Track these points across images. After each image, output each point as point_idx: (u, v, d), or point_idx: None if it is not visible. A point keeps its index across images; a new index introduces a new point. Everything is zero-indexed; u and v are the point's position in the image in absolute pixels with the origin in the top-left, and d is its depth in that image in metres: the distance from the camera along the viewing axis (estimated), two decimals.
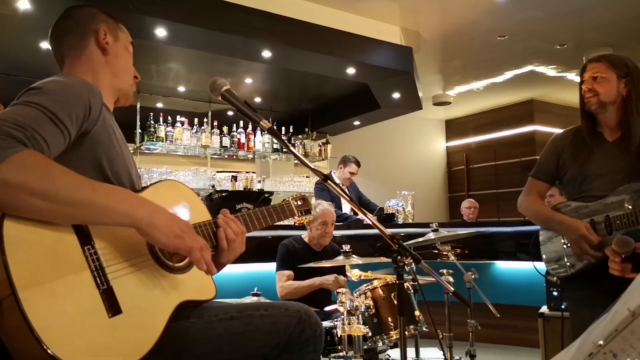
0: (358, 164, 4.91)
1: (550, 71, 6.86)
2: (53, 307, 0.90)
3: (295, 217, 1.55)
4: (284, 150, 6.24)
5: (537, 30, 5.44)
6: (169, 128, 5.47)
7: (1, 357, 0.93)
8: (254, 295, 2.42)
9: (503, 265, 4.34)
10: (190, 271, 1.21)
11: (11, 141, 0.92)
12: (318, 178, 4.53)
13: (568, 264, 1.96)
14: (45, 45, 4.30)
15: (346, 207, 4.69)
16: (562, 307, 2.36)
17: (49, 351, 0.85)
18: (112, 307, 0.99)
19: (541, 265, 2.19)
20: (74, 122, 1.05)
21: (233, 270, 3.60)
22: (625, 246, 1.51)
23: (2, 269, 0.86)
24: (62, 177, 0.95)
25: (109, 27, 1.34)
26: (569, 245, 1.96)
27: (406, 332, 1.58)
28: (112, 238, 1.05)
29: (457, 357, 2.98)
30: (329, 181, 1.39)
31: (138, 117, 5.49)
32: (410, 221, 4.94)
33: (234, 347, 1.21)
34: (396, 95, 5.83)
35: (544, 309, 3.07)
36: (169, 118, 5.50)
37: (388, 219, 4.65)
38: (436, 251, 2.91)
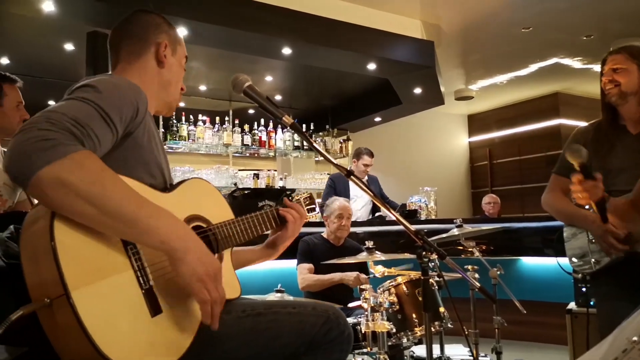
0: (371, 155, 4.82)
1: (575, 63, 6.71)
2: (102, 307, 0.91)
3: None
4: (305, 147, 6.25)
5: (561, 22, 5.32)
6: (191, 127, 5.53)
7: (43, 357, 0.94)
8: (278, 291, 2.43)
9: (529, 261, 4.26)
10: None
11: (71, 138, 0.92)
12: (331, 174, 4.50)
13: (593, 260, 1.93)
14: (69, 47, 4.38)
15: (356, 205, 4.62)
16: (591, 303, 2.31)
17: (100, 351, 0.86)
18: (154, 306, 1.00)
19: (565, 262, 2.15)
20: (122, 122, 1.06)
21: (256, 268, 3.60)
22: (577, 154, 1.56)
23: (54, 269, 0.86)
24: (113, 186, 0.94)
25: (170, 40, 1.36)
26: (593, 241, 1.92)
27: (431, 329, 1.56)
28: None
29: (483, 354, 2.94)
30: (352, 176, 1.38)
31: (161, 116, 5.54)
32: (433, 217, 4.89)
33: (260, 343, 1.22)
34: (418, 91, 5.78)
35: (572, 305, 3.00)
36: (191, 117, 5.55)
37: (410, 216, 4.61)
38: (460, 247, 2.87)
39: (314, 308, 1.30)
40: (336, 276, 2.94)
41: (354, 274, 2.89)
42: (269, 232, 1.51)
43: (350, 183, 4.70)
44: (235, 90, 1.39)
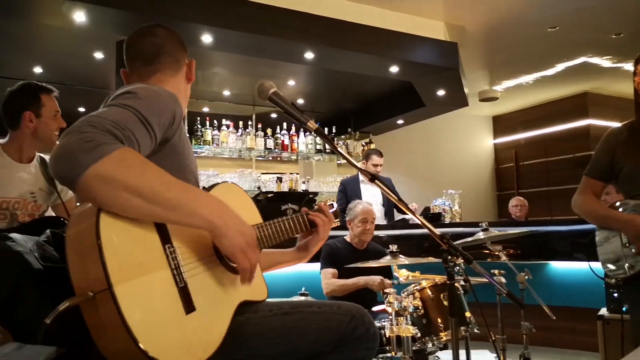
0: (380, 154, 4.80)
1: (605, 62, 6.55)
2: (141, 302, 0.94)
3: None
4: (327, 151, 6.27)
5: (589, 20, 5.21)
6: (215, 131, 5.60)
7: (82, 352, 0.97)
8: (302, 295, 2.44)
9: (558, 266, 4.17)
10: None
11: (111, 138, 0.97)
12: (342, 179, 4.47)
13: (627, 265, 1.88)
14: (99, 55, 4.50)
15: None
16: (623, 309, 2.25)
17: (140, 346, 0.88)
18: (188, 304, 1.03)
19: (598, 266, 2.11)
20: (161, 128, 1.12)
21: (280, 271, 3.62)
22: None
23: (99, 265, 0.90)
24: (156, 176, 1.00)
25: (190, 59, 1.49)
26: (627, 245, 1.87)
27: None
28: (186, 238, 1.10)
29: None
30: (376, 181, 1.38)
31: (186, 121, 5.63)
32: (457, 220, 4.84)
33: (287, 342, 1.24)
34: (441, 93, 5.73)
35: (603, 311, 2.93)
36: (215, 122, 5.63)
37: (434, 219, 4.58)
38: (486, 251, 2.83)
39: (339, 307, 1.32)
40: (360, 280, 2.94)
41: (378, 278, 2.89)
42: (297, 235, 1.55)
43: (362, 187, 4.68)
44: (260, 97, 1.41)
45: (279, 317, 1.26)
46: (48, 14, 3.71)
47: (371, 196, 4.58)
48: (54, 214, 2.24)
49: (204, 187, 1.30)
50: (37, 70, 4.84)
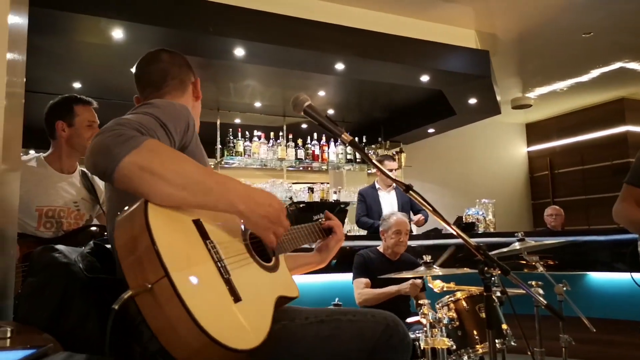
0: (392, 159, 4.85)
1: None
2: (197, 290, 0.96)
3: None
4: (358, 160, 6.27)
5: (625, 25, 5.07)
6: (247, 142, 5.68)
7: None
8: (335, 305, 2.44)
9: (598, 276, 4.04)
10: (278, 271, 1.30)
11: (139, 133, 1.05)
12: (360, 189, 4.42)
13: None
14: (134, 70, 4.63)
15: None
16: None
17: (202, 326, 0.90)
18: (235, 294, 1.05)
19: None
20: (178, 133, 1.19)
21: (314, 280, 3.64)
22: None
23: (153, 255, 0.92)
24: (185, 163, 1.06)
25: (195, 78, 1.55)
26: None
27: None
28: (221, 236, 1.14)
29: None
30: (411, 192, 1.37)
31: (218, 133, 5.75)
32: (491, 230, 4.75)
33: (324, 350, 1.25)
34: (472, 101, 5.67)
35: None
36: (247, 133, 5.71)
37: (467, 229, 4.51)
38: (523, 262, 2.77)
39: (373, 315, 1.32)
40: (393, 288, 2.92)
41: (409, 282, 2.85)
42: (317, 242, 1.63)
43: (381, 197, 4.64)
44: (295, 110, 1.43)
45: (316, 325, 1.27)
46: (87, 32, 3.86)
47: (388, 204, 4.57)
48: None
49: None
50: (76, 85, 5.03)
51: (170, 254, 0.94)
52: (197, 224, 1.07)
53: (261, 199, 1.14)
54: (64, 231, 2.14)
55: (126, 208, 1.05)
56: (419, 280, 2.82)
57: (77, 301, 1.07)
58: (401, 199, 4.62)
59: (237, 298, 1.05)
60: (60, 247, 1.18)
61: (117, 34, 3.79)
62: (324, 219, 1.62)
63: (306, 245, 1.58)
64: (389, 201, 4.63)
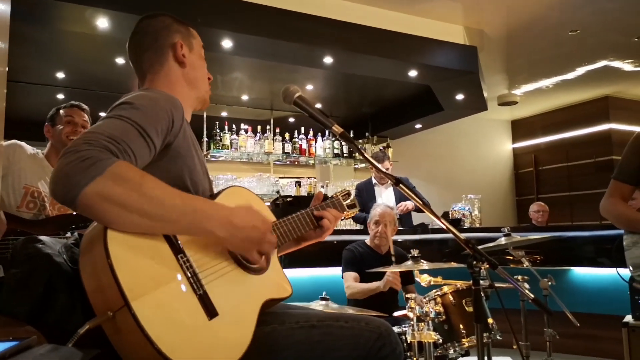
0: (388, 158, 4.81)
1: (626, 66, 6.45)
2: (162, 314, 0.94)
3: (345, 212, 1.59)
4: (345, 155, 6.27)
5: (611, 23, 5.13)
6: (234, 136, 5.64)
7: None
8: (323, 299, 2.43)
9: (582, 272, 4.10)
10: (267, 272, 1.25)
11: (107, 153, 0.97)
12: (357, 183, 4.35)
13: None
14: (120, 60, 4.56)
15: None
16: None
17: (165, 354, 0.89)
18: (209, 310, 1.03)
19: (625, 272, 2.07)
20: (159, 135, 1.11)
21: (300, 275, 3.64)
22: None
23: (113, 284, 0.91)
24: (154, 190, 0.99)
25: (183, 38, 1.37)
26: None
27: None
28: (199, 246, 1.09)
29: None
30: (401, 185, 1.37)
31: (205, 126, 5.70)
32: (477, 226, 4.79)
33: (314, 355, 1.22)
34: (460, 97, 5.70)
35: (628, 318, 2.86)
36: (234, 126, 5.66)
37: (454, 224, 4.53)
38: (509, 257, 2.80)
39: (367, 323, 1.29)
40: (374, 285, 2.87)
41: (383, 280, 2.81)
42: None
43: (376, 190, 4.64)
44: (285, 101, 1.41)
45: (306, 329, 1.24)
46: (72, 21, 3.79)
47: (385, 199, 4.55)
48: None
49: (211, 194, 1.29)
50: (60, 75, 4.93)
51: (131, 281, 0.92)
52: (169, 238, 1.04)
53: (242, 222, 1.09)
54: (45, 216, 2.15)
55: (87, 231, 1.03)
56: (389, 274, 2.79)
57: (61, 293, 1.05)
58: (399, 193, 4.58)
59: (212, 314, 1.03)
60: (44, 238, 1.15)
61: (102, 23, 3.72)
62: (316, 208, 1.50)
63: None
64: (385, 196, 4.61)
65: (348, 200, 1.61)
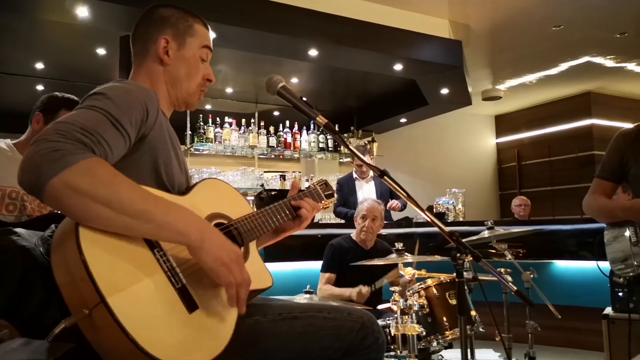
0: (369, 152, 4.79)
1: (608, 62, 6.53)
2: (139, 309, 0.92)
3: (323, 202, 1.57)
4: (330, 149, 6.25)
5: (594, 19, 5.19)
6: (218, 129, 5.58)
7: None
8: (307, 292, 2.42)
9: (563, 265, 4.16)
10: (246, 263, 1.22)
11: (80, 146, 0.94)
12: (339, 178, 4.32)
13: (635, 263, 1.92)
14: (101, 51, 4.48)
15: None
16: (630, 307, 2.24)
17: (143, 349, 0.88)
18: (189, 303, 1.01)
19: (605, 265, 2.11)
20: (133, 125, 1.07)
21: (284, 268, 3.62)
22: None
23: (88, 280, 0.88)
24: (126, 188, 0.97)
25: (174, 34, 1.30)
26: (636, 244, 1.89)
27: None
28: None
29: (516, 359, 2.88)
30: (385, 177, 1.36)
31: (188, 119, 5.63)
32: (461, 219, 4.82)
33: (296, 347, 1.22)
34: (445, 91, 5.72)
35: (608, 310, 2.91)
36: (218, 119, 5.61)
37: (438, 218, 4.54)
38: (492, 250, 2.82)
39: (350, 314, 1.29)
40: (346, 292, 2.86)
41: (356, 289, 2.80)
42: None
43: (357, 185, 4.63)
44: (269, 92, 1.39)
45: (289, 321, 1.23)
46: (51, 9, 3.70)
47: (366, 194, 4.54)
48: None
49: (187, 187, 1.25)
50: (39, 66, 4.83)
51: (106, 278, 0.90)
52: None
53: (219, 235, 1.05)
54: (27, 216, 2.06)
55: (59, 226, 1.00)
56: (365, 289, 2.78)
57: (37, 286, 1.02)
58: (380, 188, 4.56)
59: (192, 307, 1.01)
60: (19, 230, 1.12)
61: (82, 12, 3.64)
62: (294, 198, 1.47)
63: None
64: (366, 191, 4.60)
65: (326, 190, 1.59)
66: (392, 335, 2.31)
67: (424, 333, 2.36)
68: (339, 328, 1.25)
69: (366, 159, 4.69)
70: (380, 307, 2.88)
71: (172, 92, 1.32)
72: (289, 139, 6.02)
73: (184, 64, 1.31)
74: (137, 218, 0.95)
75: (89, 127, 0.97)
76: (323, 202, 1.56)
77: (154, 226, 0.97)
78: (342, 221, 4.57)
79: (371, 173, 4.60)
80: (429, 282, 2.51)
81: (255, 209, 1.38)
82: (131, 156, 1.11)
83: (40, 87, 5.18)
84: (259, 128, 5.87)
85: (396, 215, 4.78)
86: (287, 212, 1.43)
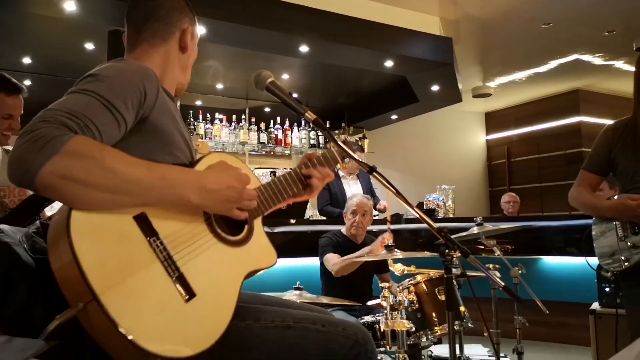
0: (362, 149, 4.78)
1: (596, 59, 6.59)
2: (134, 305, 0.92)
3: (339, 164, 1.53)
4: (321, 146, 6.25)
5: (583, 17, 5.22)
6: (208, 125, 5.55)
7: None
8: (297, 289, 2.42)
9: (551, 261, 4.20)
10: (250, 242, 1.22)
11: (64, 130, 0.91)
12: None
13: (622, 258, 1.93)
14: (89, 46, 4.43)
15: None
16: (617, 302, 2.27)
17: (138, 345, 0.88)
18: (187, 291, 1.00)
19: (594, 261, 2.13)
20: (130, 109, 1.04)
21: (275, 266, 3.60)
22: None
23: (79, 278, 0.87)
24: (118, 161, 0.95)
25: (191, 26, 1.36)
26: (623, 239, 1.91)
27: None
28: (173, 225, 1.05)
29: (504, 355, 2.90)
30: (374, 173, 1.36)
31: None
32: (450, 216, 4.84)
33: (285, 357, 1.19)
34: (435, 88, 5.73)
35: (595, 305, 2.95)
36: (208, 115, 5.58)
37: (428, 214, 4.55)
38: (481, 246, 2.83)
39: (344, 329, 1.26)
40: (365, 250, 2.84)
41: (377, 242, 2.77)
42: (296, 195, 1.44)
43: (343, 182, 4.63)
44: (257, 87, 1.37)
45: (281, 330, 1.19)
46: (38, 3, 3.65)
47: (352, 191, 4.55)
48: None
49: (195, 161, 1.22)
50: (26, 60, 4.76)
51: (97, 273, 0.89)
52: (141, 219, 0.99)
53: (216, 184, 1.07)
54: (9, 210, 2.02)
55: (53, 219, 0.98)
56: (386, 234, 2.72)
57: (21, 284, 1.00)
58: (365, 186, 4.57)
59: (190, 295, 1.00)
60: (2, 226, 1.10)
61: (70, 6, 3.59)
62: (306, 166, 1.42)
63: None
64: (353, 188, 4.61)
65: (337, 150, 1.48)
66: (382, 331, 2.32)
67: (414, 329, 2.37)
68: (331, 343, 1.22)
69: (357, 156, 4.64)
70: (369, 303, 2.89)
71: (181, 77, 1.36)
72: (280, 136, 6.00)
73: (193, 54, 1.38)
74: (133, 193, 0.95)
75: (76, 112, 0.95)
76: (339, 165, 1.52)
77: (153, 196, 0.99)
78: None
79: (357, 171, 4.60)
80: (419, 278, 2.52)
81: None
82: (132, 138, 1.08)
83: (27, 82, 5.10)
84: (250, 124, 5.84)
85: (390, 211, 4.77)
86: (297, 181, 1.40)
